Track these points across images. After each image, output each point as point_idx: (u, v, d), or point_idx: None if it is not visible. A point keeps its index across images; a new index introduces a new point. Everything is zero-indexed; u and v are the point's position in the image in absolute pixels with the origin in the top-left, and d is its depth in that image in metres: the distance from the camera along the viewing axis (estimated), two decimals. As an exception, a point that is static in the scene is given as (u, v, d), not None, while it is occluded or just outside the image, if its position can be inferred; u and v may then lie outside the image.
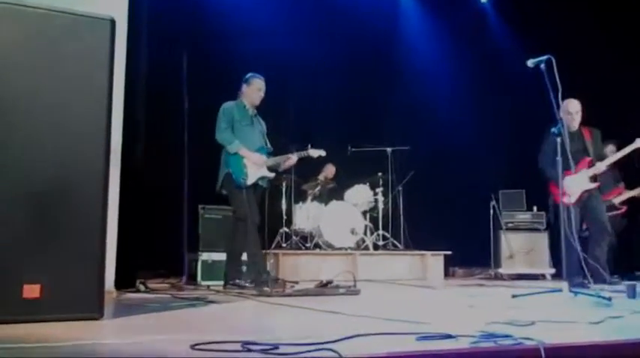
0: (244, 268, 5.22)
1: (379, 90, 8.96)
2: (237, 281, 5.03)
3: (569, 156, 4.50)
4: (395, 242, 7.71)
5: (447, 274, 7.55)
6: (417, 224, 7.93)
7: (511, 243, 7.31)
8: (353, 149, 7.75)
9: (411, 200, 8.06)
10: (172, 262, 6.21)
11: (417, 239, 7.75)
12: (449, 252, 7.39)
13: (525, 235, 7.42)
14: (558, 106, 4.35)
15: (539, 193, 6.42)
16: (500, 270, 7.28)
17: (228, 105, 5.23)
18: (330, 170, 8.19)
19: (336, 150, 6.11)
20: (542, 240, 7.37)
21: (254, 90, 5.27)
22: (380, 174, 7.87)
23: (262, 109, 5.47)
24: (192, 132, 7.06)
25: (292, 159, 5.35)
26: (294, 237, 7.30)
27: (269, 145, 5.40)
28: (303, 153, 5.41)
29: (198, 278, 5.80)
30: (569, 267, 4.55)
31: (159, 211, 6.22)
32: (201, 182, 6.92)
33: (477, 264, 7.81)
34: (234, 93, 5.41)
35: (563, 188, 4.74)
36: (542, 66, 4.39)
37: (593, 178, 5.45)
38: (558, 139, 4.40)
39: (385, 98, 9.03)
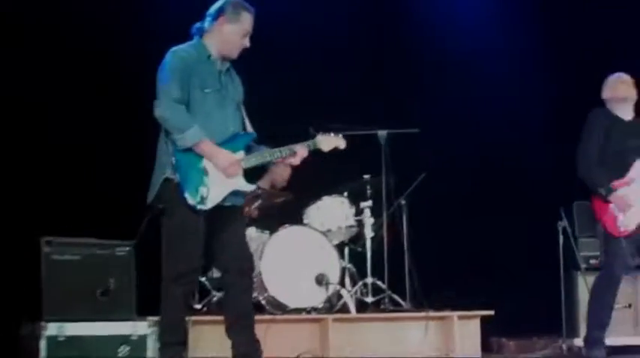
0: None
1: (365, 37, 9.04)
2: None
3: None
4: (395, 297, 7.65)
5: (487, 349, 7.56)
6: (432, 264, 7.96)
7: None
8: (319, 133, 7.63)
9: (422, 222, 8.06)
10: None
11: (434, 290, 7.71)
12: (490, 312, 7.34)
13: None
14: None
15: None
16: (579, 341, 7.25)
17: (181, 53, 4.95)
18: (278, 171, 8.10)
19: (288, 135, 6.01)
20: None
21: (240, 32, 4.98)
22: (367, 177, 7.85)
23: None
24: (36, 104, 6.98)
25: (299, 153, 5.25)
26: (214, 292, 7.26)
27: (250, 128, 5.20)
28: (308, 145, 5.36)
29: (42, 367, 5.81)
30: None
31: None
32: (51, 193, 6.83)
33: (537, 330, 7.86)
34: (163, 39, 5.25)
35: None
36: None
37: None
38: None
39: (377, 48, 9.05)
